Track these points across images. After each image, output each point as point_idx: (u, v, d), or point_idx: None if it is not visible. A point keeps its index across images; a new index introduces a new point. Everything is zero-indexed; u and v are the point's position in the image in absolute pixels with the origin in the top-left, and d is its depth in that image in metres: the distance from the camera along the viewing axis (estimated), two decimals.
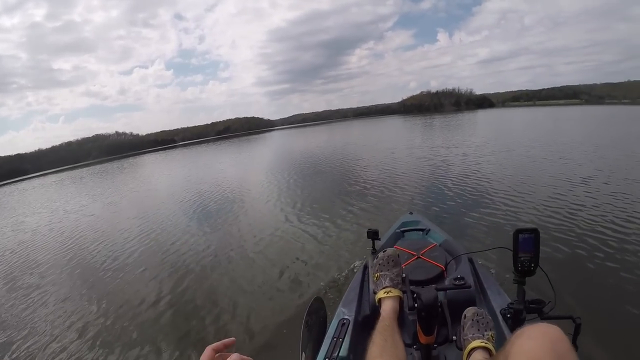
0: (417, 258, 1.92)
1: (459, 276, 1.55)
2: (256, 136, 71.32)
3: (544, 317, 1.32)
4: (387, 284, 1.40)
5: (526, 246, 1.30)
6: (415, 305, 1.23)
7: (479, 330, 1.32)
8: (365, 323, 1.52)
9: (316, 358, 1.34)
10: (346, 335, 1.42)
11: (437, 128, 24.65)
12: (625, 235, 3.47)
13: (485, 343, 1.25)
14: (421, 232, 2.45)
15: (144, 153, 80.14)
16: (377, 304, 1.41)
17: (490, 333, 1.32)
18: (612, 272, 2.82)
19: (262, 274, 3.78)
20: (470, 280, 1.59)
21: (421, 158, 10.25)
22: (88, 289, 4.24)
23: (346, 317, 1.54)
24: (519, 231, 1.32)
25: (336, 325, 1.49)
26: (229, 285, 3.68)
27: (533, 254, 1.30)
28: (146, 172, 22.37)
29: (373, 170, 9.19)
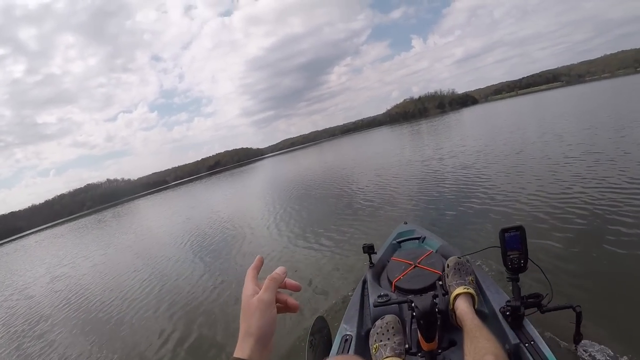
0: (414, 267, 1.92)
1: None
2: (247, 167, 71.47)
3: (543, 310, 1.33)
4: (387, 354, 1.26)
5: (513, 244, 1.32)
6: (413, 314, 1.24)
7: (460, 277, 1.47)
8: (367, 337, 1.52)
9: None
10: (349, 351, 1.44)
11: (424, 134, 24.90)
12: (615, 215, 3.47)
13: (467, 289, 1.40)
14: (417, 241, 2.45)
15: (138, 197, 79.85)
16: None
17: (470, 277, 1.49)
18: (605, 255, 2.80)
19: None
20: None
21: (410, 168, 10.28)
22: (97, 337, 4.13)
23: (348, 333, 1.56)
24: (504, 230, 1.34)
25: (339, 342, 1.51)
26: (233, 315, 3.64)
27: (521, 251, 1.31)
28: (142, 218, 22.19)
29: (364, 186, 9.18)
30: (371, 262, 2.15)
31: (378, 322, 1.40)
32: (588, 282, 2.49)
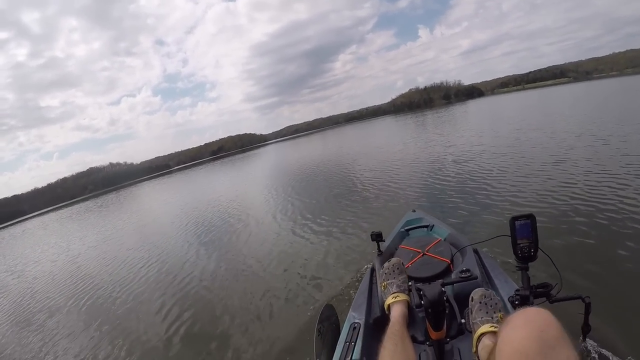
0: (422, 255, 1.93)
1: (464, 268, 1.55)
2: (250, 152, 71.30)
3: (552, 300, 1.33)
4: (394, 290, 1.49)
5: (524, 232, 1.32)
6: (422, 302, 1.25)
7: (487, 312, 1.27)
8: (376, 325, 1.54)
9: None
10: (358, 339, 1.44)
11: (429, 124, 24.73)
12: (626, 205, 3.47)
13: (495, 327, 1.20)
14: (425, 229, 2.46)
15: (140, 181, 79.89)
16: (386, 311, 1.47)
17: (499, 315, 1.28)
18: (616, 244, 2.80)
19: (272, 289, 3.75)
20: (476, 271, 1.60)
21: (417, 157, 10.26)
22: (100, 322, 4.21)
23: (357, 321, 1.56)
24: (514, 218, 1.33)
25: (348, 329, 1.52)
26: (239, 304, 3.65)
27: (532, 239, 1.31)
28: (144, 202, 22.30)
29: (371, 174, 9.17)
30: (379, 250, 2.15)
31: (386, 264, 1.61)
32: (598, 274, 2.49)
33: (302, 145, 41.25)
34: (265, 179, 15.67)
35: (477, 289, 1.40)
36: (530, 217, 1.32)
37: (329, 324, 1.80)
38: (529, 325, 0.65)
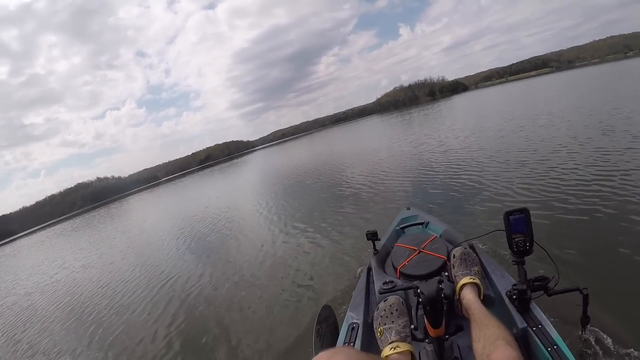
0: (418, 253, 1.93)
1: None
2: (238, 160, 70.77)
3: (549, 293, 1.33)
4: (393, 337, 1.24)
5: (518, 227, 1.32)
6: (419, 300, 1.24)
7: (466, 267, 1.48)
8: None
9: None
10: (356, 339, 1.44)
11: (415, 122, 24.91)
12: (621, 197, 3.48)
13: (473, 279, 1.41)
14: (420, 226, 2.47)
15: (129, 195, 78.84)
16: None
17: (476, 268, 1.50)
18: (612, 236, 2.79)
19: (269, 293, 3.72)
20: None
21: (408, 154, 10.27)
22: (96, 336, 4.11)
23: (355, 321, 1.56)
24: (508, 213, 1.34)
25: (346, 330, 1.52)
26: (237, 310, 3.61)
27: (526, 234, 1.32)
28: (133, 216, 21.96)
29: (362, 173, 9.16)
30: (375, 249, 2.15)
31: (381, 305, 1.38)
32: (595, 265, 2.48)
33: (290, 150, 41.22)
34: (254, 185, 15.59)
35: (457, 247, 1.60)
36: (524, 211, 1.33)
37: (327, 324, 1.80)
38: None
